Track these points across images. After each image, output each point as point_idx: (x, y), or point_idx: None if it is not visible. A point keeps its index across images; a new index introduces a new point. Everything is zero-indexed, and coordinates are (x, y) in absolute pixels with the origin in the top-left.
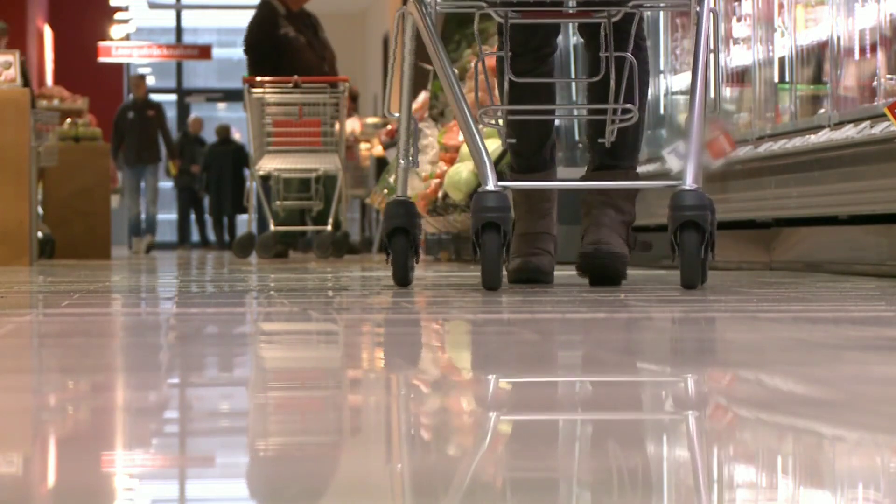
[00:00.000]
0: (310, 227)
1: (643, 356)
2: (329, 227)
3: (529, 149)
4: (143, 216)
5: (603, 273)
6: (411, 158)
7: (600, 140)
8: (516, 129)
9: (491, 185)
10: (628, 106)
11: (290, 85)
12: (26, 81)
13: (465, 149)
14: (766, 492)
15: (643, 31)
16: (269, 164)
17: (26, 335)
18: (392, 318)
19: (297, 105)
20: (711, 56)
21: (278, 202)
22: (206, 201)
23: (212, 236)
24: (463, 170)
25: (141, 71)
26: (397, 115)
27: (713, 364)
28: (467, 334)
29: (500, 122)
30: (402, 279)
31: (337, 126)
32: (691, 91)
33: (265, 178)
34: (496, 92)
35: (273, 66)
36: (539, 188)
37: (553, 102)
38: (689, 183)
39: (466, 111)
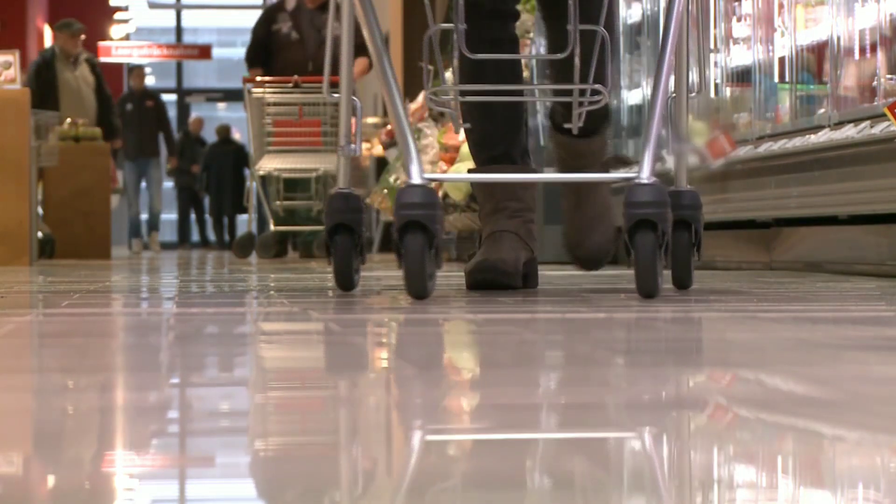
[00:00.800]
0: (306, 228)
1: (643, 356)
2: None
3: (492, 138)
4: (142, 216)
5: (601, 258)
6: (353, 146)
7: (566, 126)
8: (476, 114)
9: (416, 178)
10: (598, 87)
11: (290, 84)
12: (100, 84)
13: (465, 148)
14: (766, 492)
15: (616, 3)
16: (268, 164)
17: (26, 335)
18: (387, 318)
19: (296, 105)
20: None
21: (277, 202)
22: (206, 201)
23: (212, 236)
24: (463, 170)
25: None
26: (336, 96)
27: (713, 364)
28: (469, 334)
29: (456, 105)
30: (346, 283)
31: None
32: (656, 76)
33: (265, 178)
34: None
35: (263, 61)
36: (482, 181)
37: (520, 83)
38: (646, 176)
39: (395, 92)
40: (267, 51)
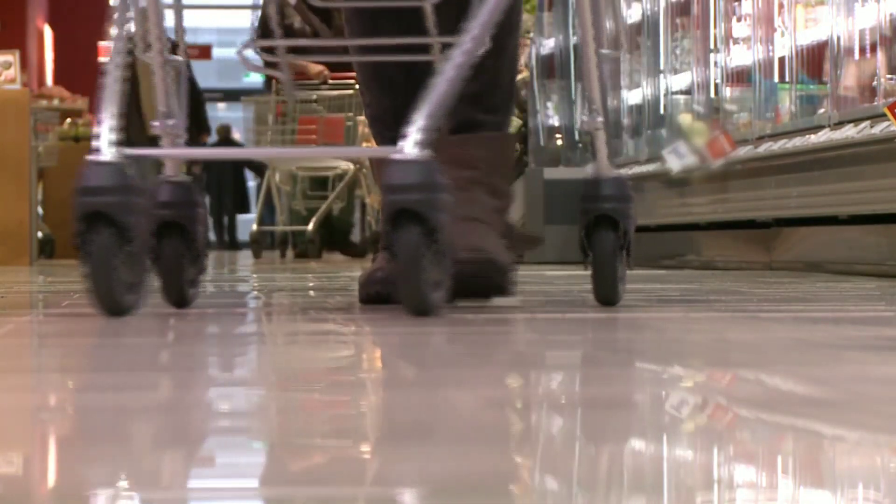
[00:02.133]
0: (297, 228)
1: (643, 356)
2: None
3: (391, 112)
4: None
5: (475, 289)
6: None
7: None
8: (371, 82)
9: (105, 152)
10: (446, 40)
11: (319, 81)
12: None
13: None
14: (766, 492)
15: None
16: (286, 164)
17: (26, 335)
18: (380, 318)
19: (311, 102)
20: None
21: (298, 202)
22: (207, 201)
23: (212, 236)
24: None
25: None
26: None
27: (713, 364)
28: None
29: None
30: (175, 297)
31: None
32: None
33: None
34: None
35: None
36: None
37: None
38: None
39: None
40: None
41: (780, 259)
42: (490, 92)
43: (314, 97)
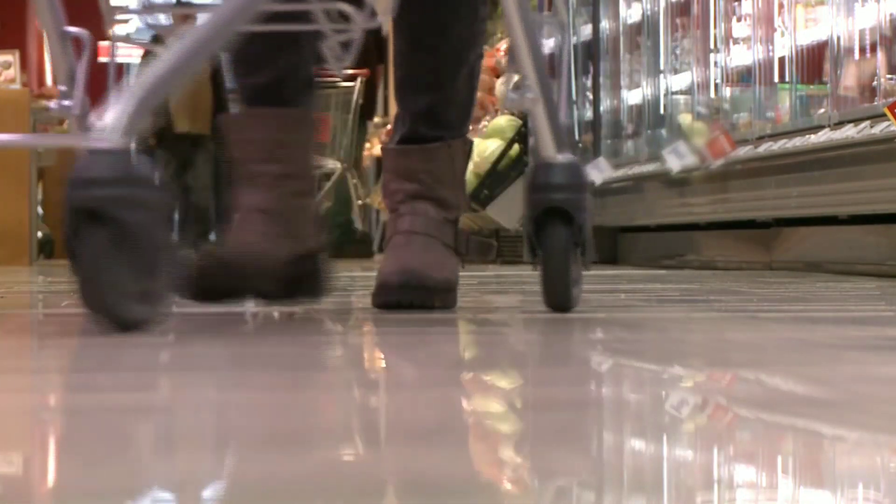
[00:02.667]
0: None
1: (643, 356)
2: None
3: (252, 60)
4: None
5: (398, 302)
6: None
7: (411, 94)
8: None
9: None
10: (342, 9)
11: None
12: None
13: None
14: (766, 492)
15: None
16: None
17: (26, 335)
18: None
19: None
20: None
21: None
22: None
23: (213, 236)
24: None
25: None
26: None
27: (713, 364)
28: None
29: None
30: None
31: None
32: None
33: None
34: (496, 91)
35: None
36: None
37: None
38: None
39: None
40: None
41: (780, 259)
42: (444, 108)
43: None
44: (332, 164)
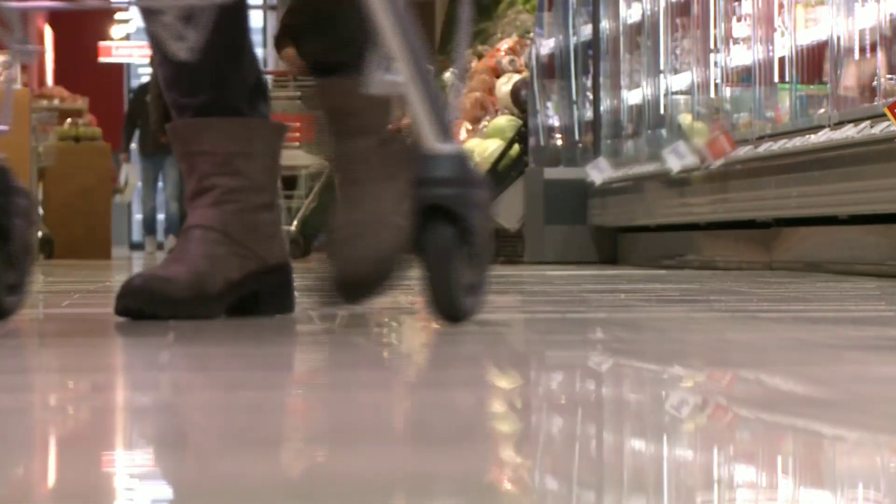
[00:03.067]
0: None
1: (643, 356)
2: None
3: (187, 81)
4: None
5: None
6: None
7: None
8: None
9: None
10: None
11: (290, 78)
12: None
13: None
14: (766, 492)
15: None
16: None
17: (26, 335)
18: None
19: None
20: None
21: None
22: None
23: None
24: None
25: (141, 71)
26: None
27: (713, 364)
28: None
29: None
30: None
31: None
32: None
33: None
34: (496, 92)
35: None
36: None
37: None
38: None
39: None
40: None
41: (780, 259)
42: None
43: (298, 94)
44: (321, 164)
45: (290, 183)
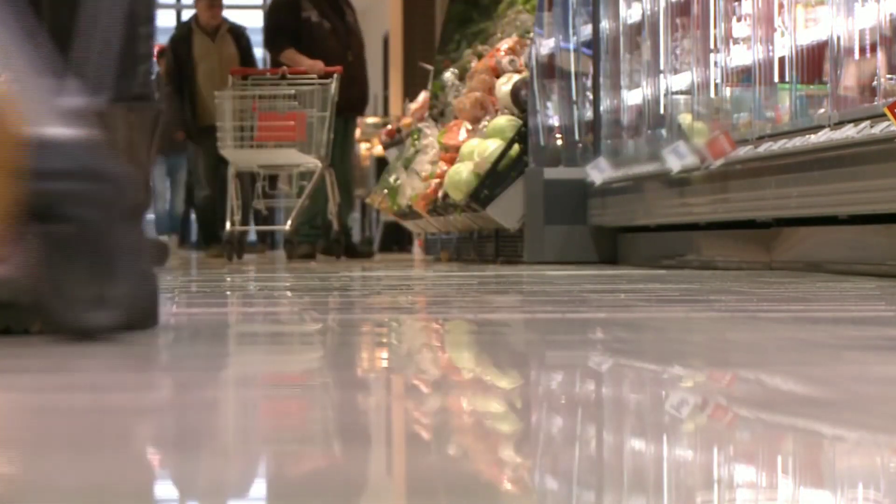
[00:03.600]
0: (271, 227)
1: (643, 356)
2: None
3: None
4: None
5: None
6: None
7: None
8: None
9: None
10: None
11: (278, 76)
12: (245, 58)
13: (465, 149)
14: (766, 492)
15: None
16: (242, 159)
17: (26, 335)
18: (386, 318)
19: (272, 98)
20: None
21: (259, 200)
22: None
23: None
24: (463, 170)
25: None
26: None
27: (713, 364)
28: (466, 334)
29: None
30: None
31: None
32: None
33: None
34: (496, 92)
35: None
36: None
37: None
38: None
39: None
40: (295, 39)
41: (780, 259)
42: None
43: (293, 92)
44: (312, 163)
45: (275, 182)
